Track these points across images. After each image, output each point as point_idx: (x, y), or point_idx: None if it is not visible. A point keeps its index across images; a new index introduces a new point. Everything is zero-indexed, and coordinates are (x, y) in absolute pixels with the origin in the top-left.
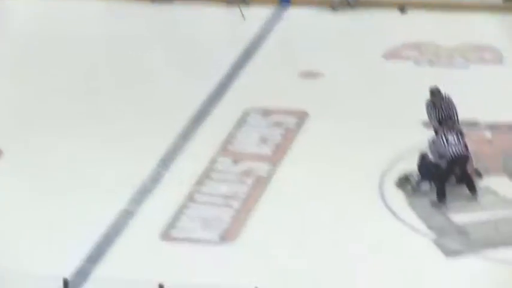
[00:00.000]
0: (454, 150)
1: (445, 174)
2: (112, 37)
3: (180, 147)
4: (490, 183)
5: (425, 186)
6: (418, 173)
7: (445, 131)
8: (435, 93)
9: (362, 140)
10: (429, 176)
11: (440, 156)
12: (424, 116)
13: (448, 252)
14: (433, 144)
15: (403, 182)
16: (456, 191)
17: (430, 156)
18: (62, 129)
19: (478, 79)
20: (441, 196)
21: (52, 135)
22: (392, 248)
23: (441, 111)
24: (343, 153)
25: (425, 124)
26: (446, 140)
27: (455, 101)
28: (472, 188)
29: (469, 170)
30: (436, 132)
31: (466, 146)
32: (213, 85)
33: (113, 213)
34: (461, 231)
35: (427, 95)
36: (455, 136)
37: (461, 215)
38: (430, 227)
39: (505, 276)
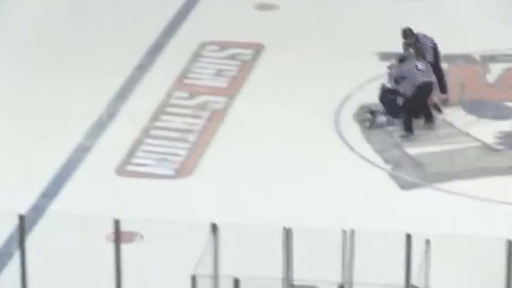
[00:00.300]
0: (423, 76)
1: (413, 103)
2: None
3: (135, 81)
4: (446, 115)
5: (381, 119)
6: (381, 105)
7: (416, 60)
8: (407, 34)
9: (318, 73)
10: (390, 105)
11: (397, 81)
12: (380, 48)
13: (403, 185)
14: (396, 67)
15: (365, 114)
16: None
17: (387, 83)
18: (17, 63)
19: (436, 10)
20: (409, 126)
21: (5, 69)
22: (348, 181)
23: (416, 51)
24: (300, 86)
25: (381, 56)
26: (416, 67)
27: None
28: (429, 119)
29: (429, 102)
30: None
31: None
32: (168, 18)
33: (69, 147)
34: (417, 164)
35: (383, 27)
36: (424, 65)
37: (417, 148)
38: (385, 160)
39: (459, 208)
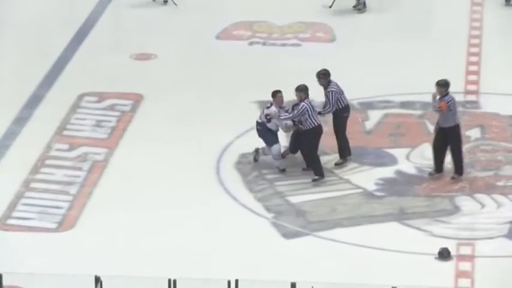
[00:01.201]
0: (317, 118)
1: (315, 146)
2: None
3: (14, 133)
4: (327, 162)
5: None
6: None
7: (308, 101)
8: (319, 75)
9: (198, 122)
10: (266, 136)
11: (268, 119)
12: (258, 96)
13: (286, 234)
14: (293, 109)
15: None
16: (292, 173)
17: (259, 118)
18: None
19: (311, 57)
20: (319, 171)
21: None
22: (231, 230)
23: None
24: (180, 135)
25: (260, 104)
26: (313, 108)
27: (288, 79)
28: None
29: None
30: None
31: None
32: (46, 69)
33: None
34: (299, 212)
35: (261, 74)
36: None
37: (299, 196)
38: (267, 209)
39: (341, 256)
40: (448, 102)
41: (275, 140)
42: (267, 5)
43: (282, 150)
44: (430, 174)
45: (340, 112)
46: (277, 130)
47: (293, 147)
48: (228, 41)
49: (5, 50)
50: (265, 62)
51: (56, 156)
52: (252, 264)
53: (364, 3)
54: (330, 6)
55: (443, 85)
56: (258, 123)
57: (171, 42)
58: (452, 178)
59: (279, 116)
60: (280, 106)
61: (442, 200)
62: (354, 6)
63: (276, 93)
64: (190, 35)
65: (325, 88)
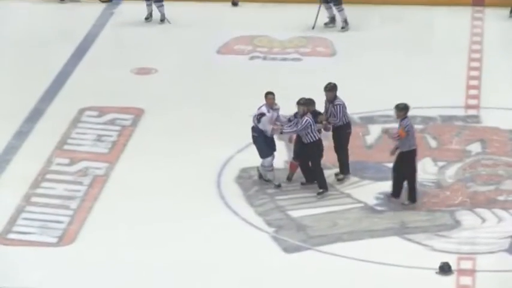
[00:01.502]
0: (318, 133)
1: (317, 159)
2: None
3: (15, 148)
4: (327, 176)
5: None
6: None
7: (310, 116)
8: (328, 87)
9: (199, 136)
10: (259, 145)
11: (258, 120)
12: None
13: (287, 248)
14: (295, 121)
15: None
16: (292, 187)
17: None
18: None
19: (311, 72)
20: (323, 184)
21: None
22: (231, 244)
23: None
24: (181, 149)
25: None
26: (315, 122)
27: (289, 93)
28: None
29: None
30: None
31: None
32: (47, 84)
33: None
34: (300, 227)
35: (261, 89)
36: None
37: (299, 210)
38: (268, 223)
39: (342, 270)
40: (405, 127)
41: (268, 153)
42: (268, 19)
43: (284, 164)
44: (387, 196)
45: (344, 128)
46: (272, 134)
47: (296, 156)
48: (228, 55)
49: (5, 64)
50: (265, 77)
51: (57, 171)
52: (252, 279)
53: (346, 20)
54: (313, 28)
55: (402, 108)
56: (253, 129)
57: (172, 56)
58: (403, 204)
59: (282, 130)
60: (271, 107)
61: (443, 215)
62: (325, 24)
63: (267, 95)
64: (191, 50)
65: (331, 102)
